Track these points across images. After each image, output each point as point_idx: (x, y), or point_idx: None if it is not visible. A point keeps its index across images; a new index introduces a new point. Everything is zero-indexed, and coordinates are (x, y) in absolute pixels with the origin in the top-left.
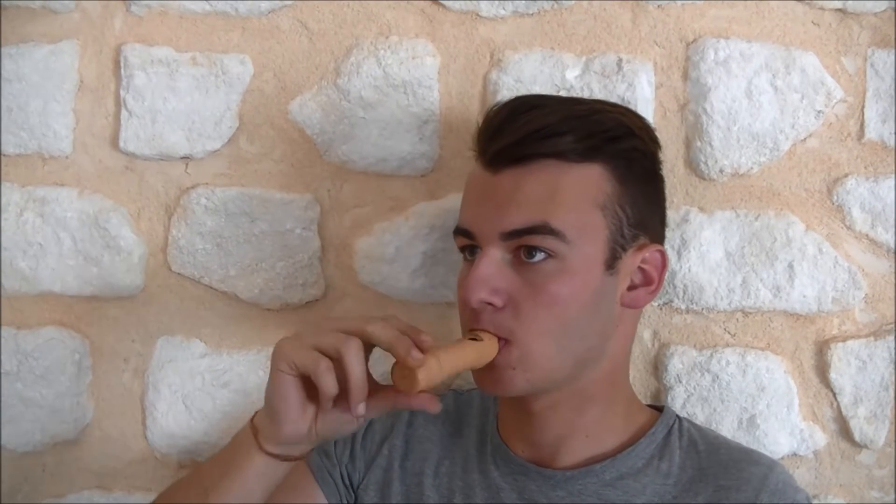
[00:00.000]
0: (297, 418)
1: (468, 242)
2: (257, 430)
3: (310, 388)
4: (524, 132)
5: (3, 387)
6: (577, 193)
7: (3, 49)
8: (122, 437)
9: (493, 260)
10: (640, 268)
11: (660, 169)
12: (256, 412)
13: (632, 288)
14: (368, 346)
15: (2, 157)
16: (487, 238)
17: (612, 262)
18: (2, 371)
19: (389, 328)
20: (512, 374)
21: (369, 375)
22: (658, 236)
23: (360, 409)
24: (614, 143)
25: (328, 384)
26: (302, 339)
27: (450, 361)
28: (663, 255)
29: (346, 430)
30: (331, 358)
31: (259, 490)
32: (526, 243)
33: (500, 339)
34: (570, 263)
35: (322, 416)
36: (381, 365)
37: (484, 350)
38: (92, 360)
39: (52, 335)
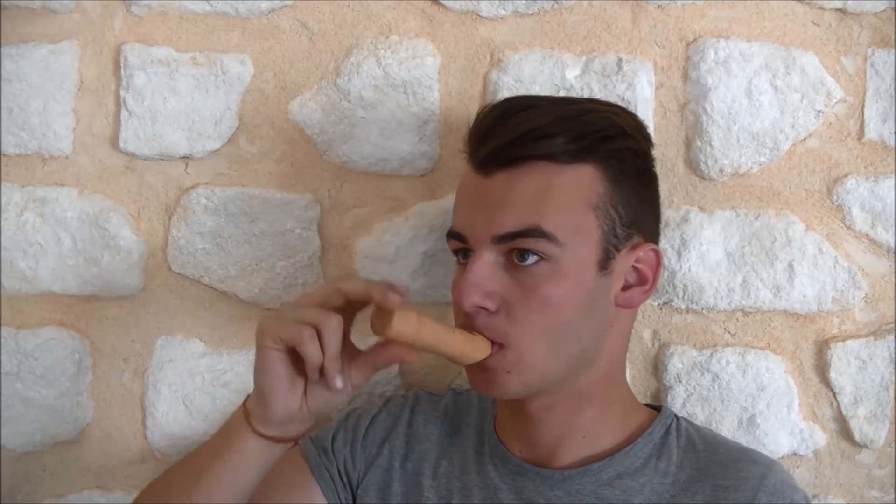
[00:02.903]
0: (287, 395)
1: (461, 246)
2: (249, 412)
3: (297, 363)
4: (515, 134)
5: (3, 387)
6: (568, 195)
7: (3, 49)
8: (122, 437)
9: (486, 263)
10: (634, 267)
11: (653, 167)
12: (248, 396)
13: (626, 288)
14: (350, 316)
15: (2, 157)
16: (480, 241)
17: (605, 263)
18: (2, 371)
19: (362, 279)
20: (507, 377)
21: (352, 344)
22: (652, 235)
23: (338, 381)
24: (606, 143)
25: (312, 352)
26: (284, 314)
27: (432, 328)
28: (657, 253)
29: (338, 403)
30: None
31: (252, 473)
32: (518, 246)
33: (494, 343)
34: (562, 266)
35: (311, 390)
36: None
37: (471, 344)
38: (92, 360)
39: (52, 335)
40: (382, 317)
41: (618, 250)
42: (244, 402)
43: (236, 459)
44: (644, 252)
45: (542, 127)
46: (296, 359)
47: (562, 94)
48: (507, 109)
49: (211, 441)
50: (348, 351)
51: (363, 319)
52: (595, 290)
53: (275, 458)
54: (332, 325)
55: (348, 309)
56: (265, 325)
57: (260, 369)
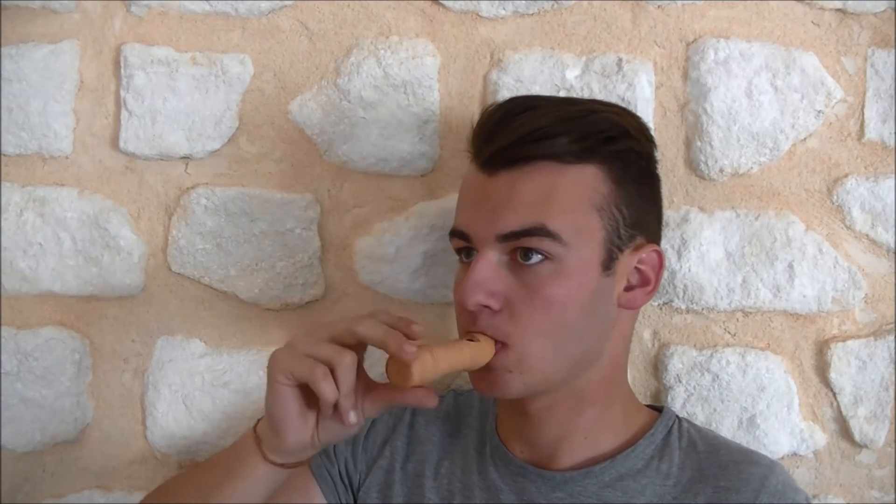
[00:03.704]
0: (299, 428)
1: (464, 244)
2: (260, 440)
3: (308, 395)
4: (519, 134)
5: (3, 387)
6: (572, 195)
7: (3, 49)
8: (122, 437)
9: (490, 262)
10: (636, 268)
11: (656, 168)
12: (259, 420)
13: (629, 288)
14: (363, 347)
15: (2, 157)
16: (483, 240)
17: (608, 263)
18: (2, 371)
19: (378, 325)
20: (509, 376)
21: (365, 375)
22: (655, 236)
23: (352, 417)
24: (609, 143)
25: (326, 391)
26: (296, 349)
27: (444, 358)
28: (660, 255)
29: (348, 434)
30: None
31: (260, 496)
32: (522, 245)
33: (496, 342)
34: (566, 265)
35: (323, 422)
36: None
37: (479, 352)
38: (92, 360)
39: (52, 335)
40: (399, 367)
41: (621, 251)
42: (255, 427)
43: (246, 484)
44: (647, 253)
45: (546, 127)
46: (308, 391)
47: (562, 94)
48: (511, 109)
49: (220, 460)
50: (362, 382)
51: None
52: (598, 290)
53: (282, 479)
54: (347, 363)
55: (361, 342)
56: (278, 360)
57: (272, 403)
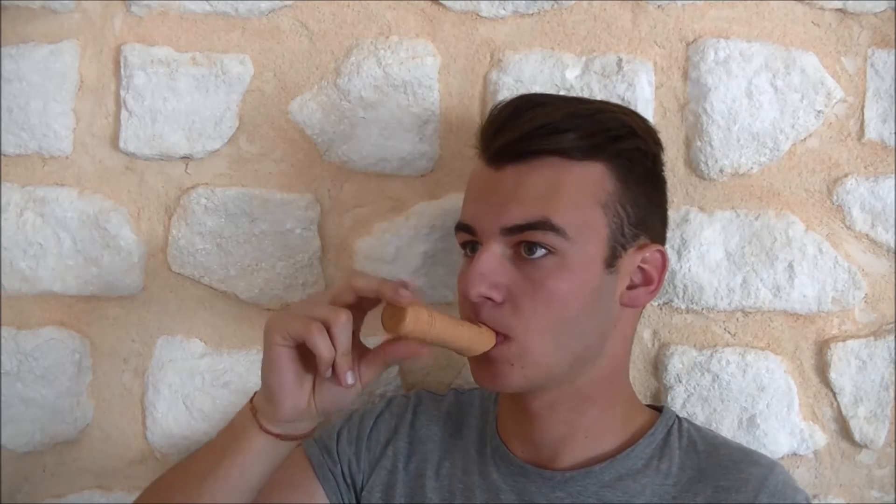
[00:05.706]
0: (295, 392)
1: (469, 238)
2: (256, 410)
3: (305, 359)
4: (527, 129)
5: (3, 387)
6: (578, 191)
7: (3, 49)
8: (122, 437)
9: (494, 255)
10: (640, 267)
11: (661, 170)
12: (255, 392)
13: (631, 287)
14: (360, 314)
15: (2, 157)
16: (488, 233)
17: (612, 261)
18: (2, 371)
19: (373, 277)
20: (510, 369)
21: (359, 342)
22: (659, 237)
23: (349, 378)
24: (617, 142)
25: (322, 348)
26: (293, 311)
27: (441, 322)
28: (663, 255)
29: (346, 402)
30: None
31: (258, 472)
32: (527, 239)
33: (498, 334)
34: (570, 260)
35: (320, 388)
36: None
37: (478, 337)
38: (92, 360)
39: (52, 335)
40: (394, 314)
41: (625, 249)
42: (251, 399)
43: (243, 458)
44: (650, 253)
45: (555, 123)
46: (304, 356)
47: (562, 94)
48: (520, 105)
49: (217, 439)
50: (357, 349)
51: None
52: (601, 286)
53: (281, 456)
54: (342, 321)
55: (358, 307)
56: (273, 322)
57: (268, 366)
